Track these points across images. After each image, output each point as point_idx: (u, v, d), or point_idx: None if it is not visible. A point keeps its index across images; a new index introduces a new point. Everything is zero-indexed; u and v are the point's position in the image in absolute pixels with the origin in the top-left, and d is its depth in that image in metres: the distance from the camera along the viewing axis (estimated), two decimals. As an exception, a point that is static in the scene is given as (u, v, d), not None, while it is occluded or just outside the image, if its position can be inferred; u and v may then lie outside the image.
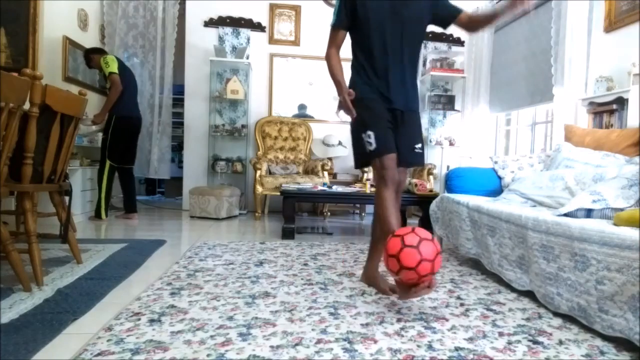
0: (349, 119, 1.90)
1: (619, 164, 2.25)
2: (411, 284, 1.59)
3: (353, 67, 1.97)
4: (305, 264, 2.52)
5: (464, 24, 1.95)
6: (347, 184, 4.45)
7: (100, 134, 4.11)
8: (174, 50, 5.19)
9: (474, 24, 1.94)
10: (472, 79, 5.00)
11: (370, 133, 1.82)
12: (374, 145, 1.82)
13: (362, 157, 1.92)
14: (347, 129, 2.06)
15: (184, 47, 5.00)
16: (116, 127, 3.91)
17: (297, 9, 5.09)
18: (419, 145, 1.97)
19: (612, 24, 3.13)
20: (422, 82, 5.15)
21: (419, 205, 3.62)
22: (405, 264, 1.51)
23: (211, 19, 4.97)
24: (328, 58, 1.94)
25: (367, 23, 1.86)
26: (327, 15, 5.02)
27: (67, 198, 2.44)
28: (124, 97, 3.91)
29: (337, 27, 1.92)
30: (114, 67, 3.81)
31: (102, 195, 3.94)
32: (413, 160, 1.97)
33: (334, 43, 1.94)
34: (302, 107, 5.21)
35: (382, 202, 1.83)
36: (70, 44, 4.12)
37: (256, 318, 1.62)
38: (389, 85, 1.88)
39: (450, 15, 1.93)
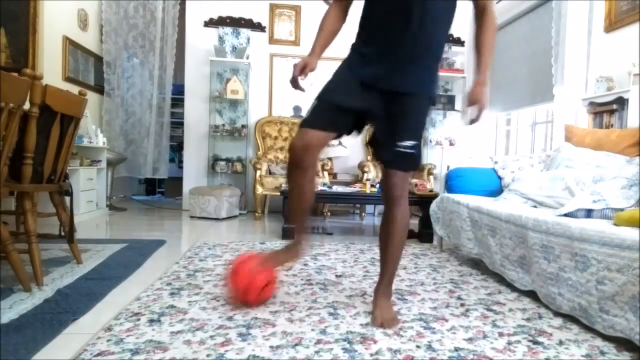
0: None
1: (619, 164, 2.25)
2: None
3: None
4: (305, 264, 2.51)
5: (478, 11, 1.69)
6: (347, 184, 4.43)
7: None
8: (174, 51, 5.19)
9: (477, 27, 1.73)
10: (472, 79, 4.98)
11: (315, 102, 1.61)
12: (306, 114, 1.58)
13: None
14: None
15: (184, 47, 5.00)
16: None
17: (297, 9, 5.08)
18: (408, 144, 1.54)
19: (612, 24, 3.13)
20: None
21: (419, 205, 3.61)
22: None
23: (211, 19, 4.97)
24: (326, 13, 1.69)
25: None
26: (327, 15, 5.04)
27: (68, 198, 2.43)
28: None
29: None
30: None
31: None
32: (394, 159, 1.56)
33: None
34: (297, 109, 5.20)
35: (287, 180, 1.66)
36: (70, 44, 4.12)
37: (256, 318, 1.62)
38: (385, 59, 1.52)
39: None
